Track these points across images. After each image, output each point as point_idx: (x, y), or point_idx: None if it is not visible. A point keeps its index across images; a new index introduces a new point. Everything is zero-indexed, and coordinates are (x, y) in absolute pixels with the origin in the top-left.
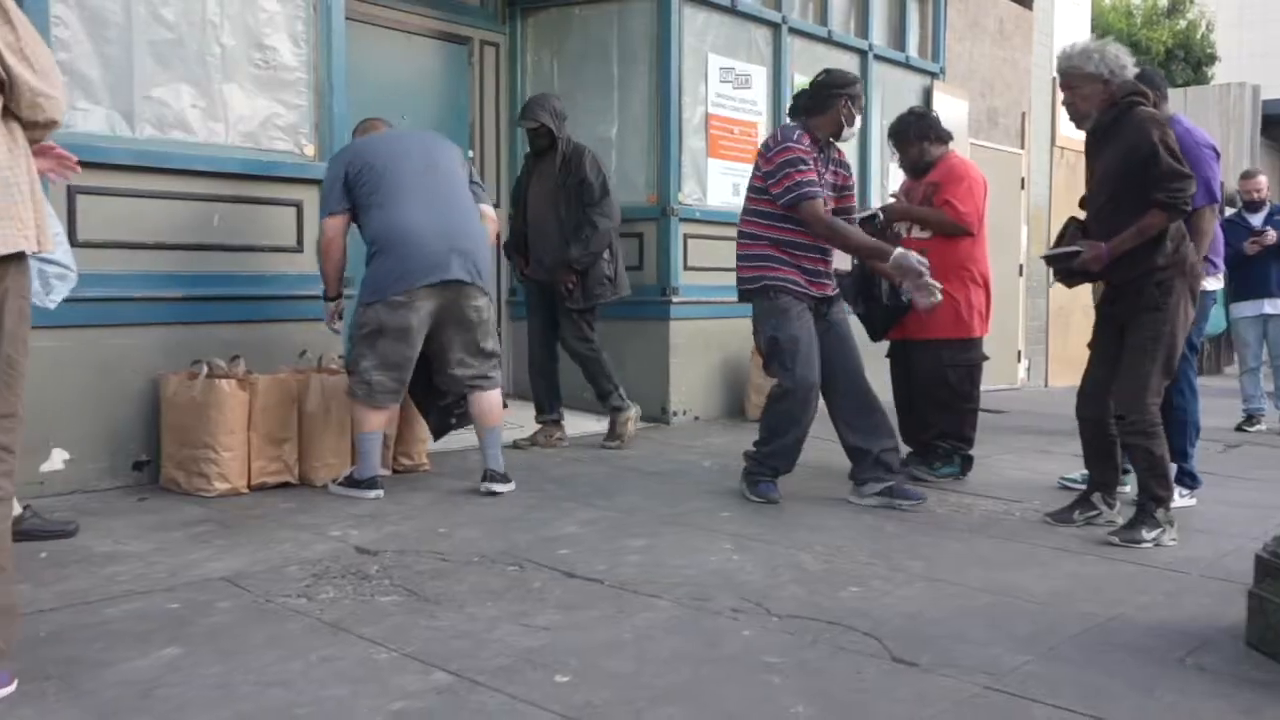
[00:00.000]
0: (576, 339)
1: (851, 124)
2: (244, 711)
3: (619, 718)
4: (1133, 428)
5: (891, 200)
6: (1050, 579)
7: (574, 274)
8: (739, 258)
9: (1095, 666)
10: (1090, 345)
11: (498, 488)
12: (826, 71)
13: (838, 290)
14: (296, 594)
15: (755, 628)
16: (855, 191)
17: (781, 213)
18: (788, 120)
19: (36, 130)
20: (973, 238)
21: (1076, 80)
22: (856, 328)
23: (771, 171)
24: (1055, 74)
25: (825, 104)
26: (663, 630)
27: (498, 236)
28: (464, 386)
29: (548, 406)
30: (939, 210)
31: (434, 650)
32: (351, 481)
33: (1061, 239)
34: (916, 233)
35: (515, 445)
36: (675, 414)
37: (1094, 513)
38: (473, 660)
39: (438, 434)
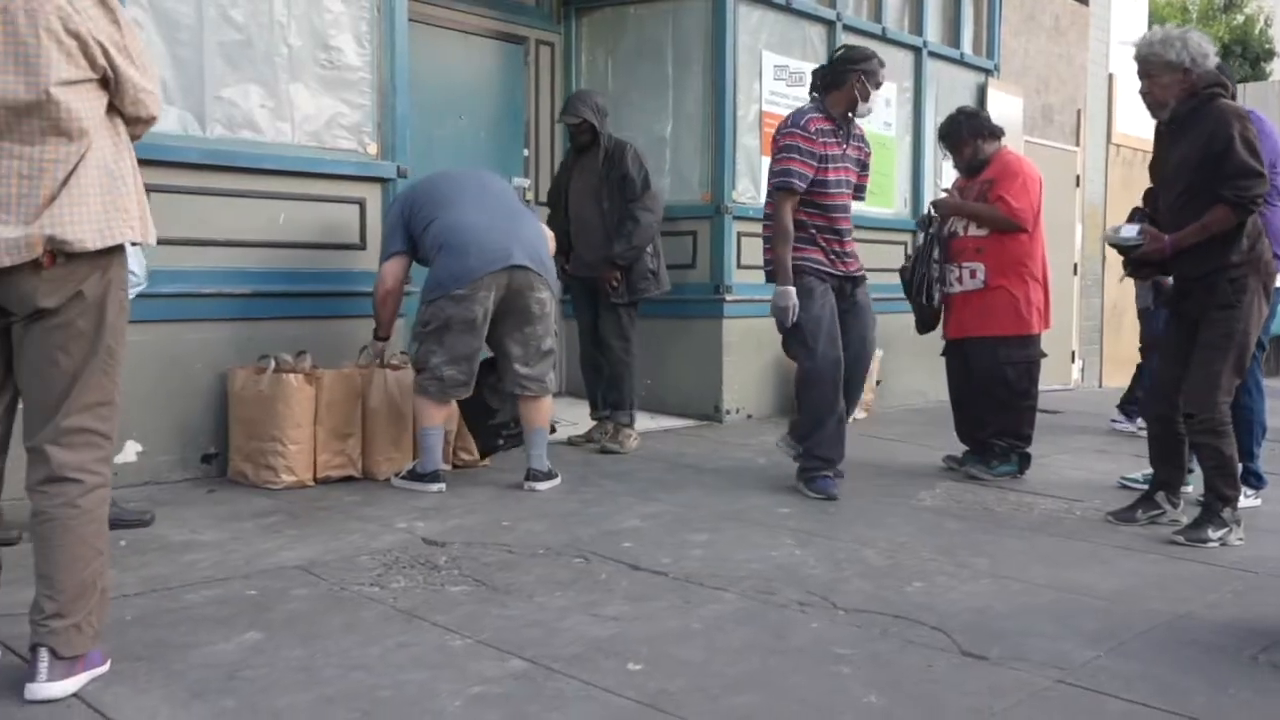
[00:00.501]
0: (616, 337)
1: (866, 99)
2: (328, 694)
3: (694, 705)
4: (1202, 426)
5: (944, 194)
6: (1115, 577)
7: (618, 270)
8: (764, 240)
9: (1166, 663)
10: (1156, 342)
11: (540, 485)
12: (844, 47)
13: (863, 271)
14: (369, 583)
15: (823, 620)
16: (870, 171)
17: (800, 195)
18: (808, 98)
19: (138, 126)
20: (1029, 234)
21: (1156, 69)
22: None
23: (774, 154)
24: (1135, 60)
25: (840, 79)
26: (731, 621)
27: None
28: (517, 387)
29: (602, 403)
30: (992, 206)
31: (507, 638)
32: (414, 475)
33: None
34: (973, 230)
35: (570, 442)
36: (728, 412)
37: (1157, 511)
38: (546, 648)
39: (485, 454)
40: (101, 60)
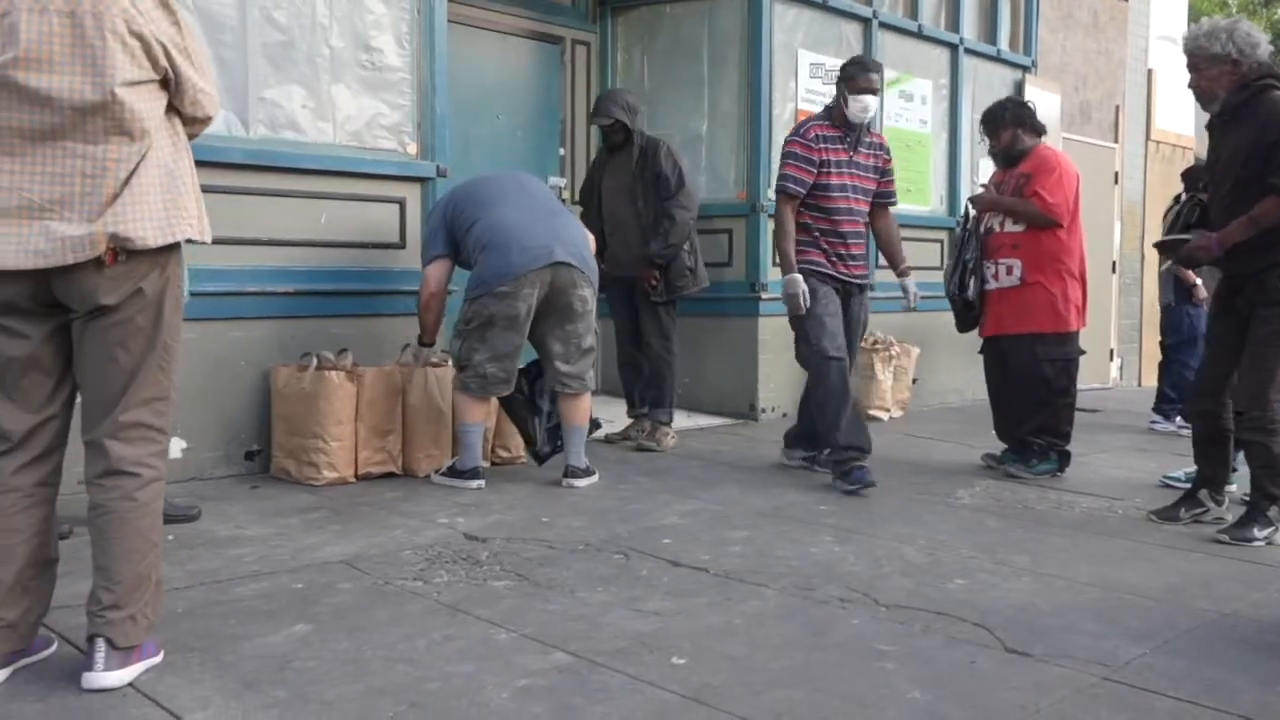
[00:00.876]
0: (657, 335)
1: (847, 107)
2: (376, 685)
3: (738, 698)
4: (1253, 424)
5: (981, 190)
6: (1160, 575)
7: (656, 269)
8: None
9: (1214, 661)
10: (1206, 337)
11: (578, 483)
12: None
13: (867, 280)
14: (413, 577)
15: (864, 617)
16: (894, 175)
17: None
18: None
19: (195, 125)
20: (1065, 230)
21: (1202, 61)
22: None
23: (780, 160)
24: (1184, 54)
25: (838, 90)
26: (772, 617)
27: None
28: (558, 384)
29: (640, 401)
30: (1028, 201)
31: (551, 632)
32: (454, 472)
33: (1178, 220)
34: (1009, 226)
35: (607, 440)
36: (764, 411)
37: (1201, 510)
38: (589, 642)
39: (541, 460)
40: (163, 61)
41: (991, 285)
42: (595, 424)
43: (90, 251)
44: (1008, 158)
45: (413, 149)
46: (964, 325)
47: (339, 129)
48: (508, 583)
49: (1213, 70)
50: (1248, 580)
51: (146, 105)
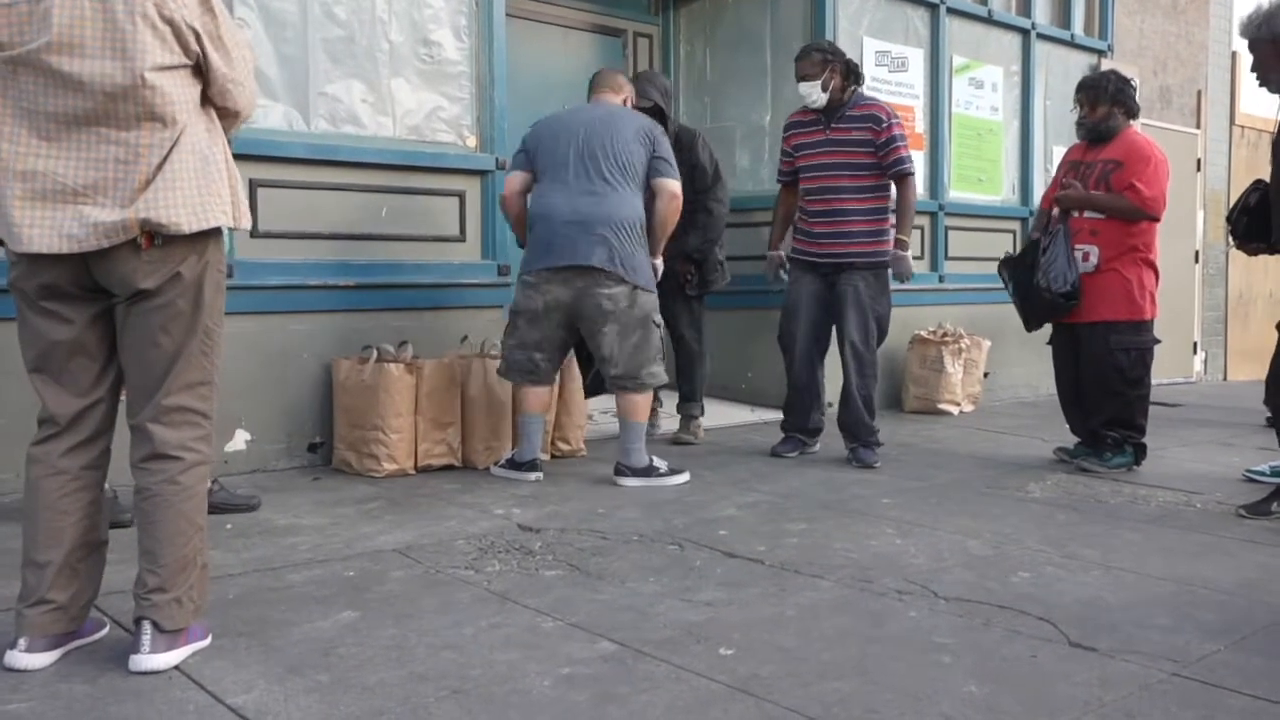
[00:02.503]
0: (690, 328)
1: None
2: (418, 671)
3: (786, 689)
4: None
5: (1068, 188)
6: (1238, 570)
7: (692, 263)
8: None
9: None
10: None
11: (624, 481)
12: None
13: (846, 258)
14: (464, 566)
15: (922, 609)
16: (899, 144)
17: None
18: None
19: (227, 120)
20: (1152, 222)
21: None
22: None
23: None
24: (1236, 45)
25: None
26: (827, 609)
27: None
28: (610, 384)
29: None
30: (1121, 196)
31: (599, 621)
32: (512, 464)
33: (1241, 202)
34: (1089, 211)
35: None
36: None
37: None
38: (637, 631)
39: (590, 392)
40: (195, 46)
41: None
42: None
43: (123, 236)
44: (1095, 132)
45: (472, 142)
46: (1030, 323)
47: (399, 123)
48: (559, 572)
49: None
50: None
51: (179, 90)
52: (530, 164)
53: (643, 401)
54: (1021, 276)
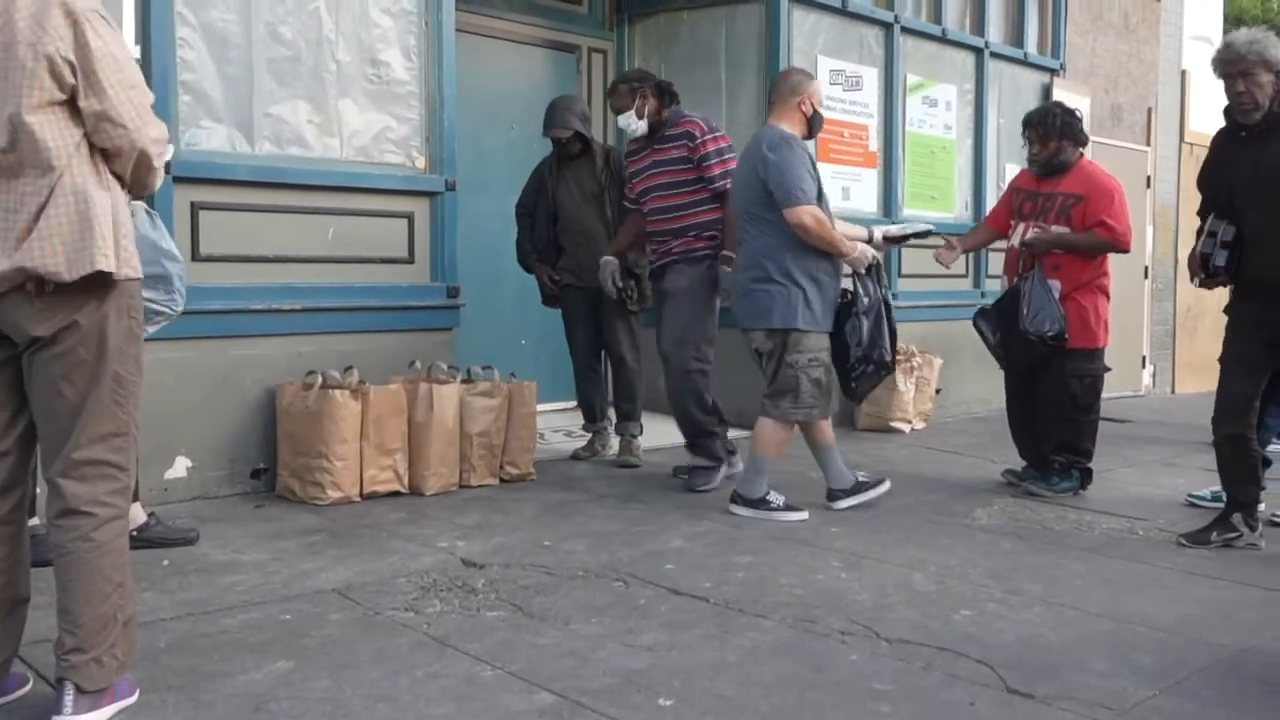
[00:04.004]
0: (630, 348)
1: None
2: None
3: None
4: None
5: (1036, 231)
6: (1177, 605)
7: (632, 278)
8: None
9: (1227, 704)
10: (1225, 357)
11: (834, 505)
12: None
13: (660, 261)
14: (404, 607)
15: (864, 652)
16: (712, 160)
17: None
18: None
19: (115, 160)
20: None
21: (1257, 67)
22: None
23: None
24: (1228, 59)
25: None
26: (769, 652)
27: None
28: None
29: (599, 414)
30: (1093, 234)
31: (539, 669)
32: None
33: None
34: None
35: (575, 456)
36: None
37: (1234, 535)
38: (576, 680)
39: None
40: (71, 80)
41: None
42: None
43: (9, 284)
44: (1048, 167)
45: (421, 163)
46: (1012, 364)
47: (346, 144)
48: (501, 613)
49: (1264, 77)
50: (1268, 611)
51: (56, 132)
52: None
53: (761, 430)
54: (1002, 324)
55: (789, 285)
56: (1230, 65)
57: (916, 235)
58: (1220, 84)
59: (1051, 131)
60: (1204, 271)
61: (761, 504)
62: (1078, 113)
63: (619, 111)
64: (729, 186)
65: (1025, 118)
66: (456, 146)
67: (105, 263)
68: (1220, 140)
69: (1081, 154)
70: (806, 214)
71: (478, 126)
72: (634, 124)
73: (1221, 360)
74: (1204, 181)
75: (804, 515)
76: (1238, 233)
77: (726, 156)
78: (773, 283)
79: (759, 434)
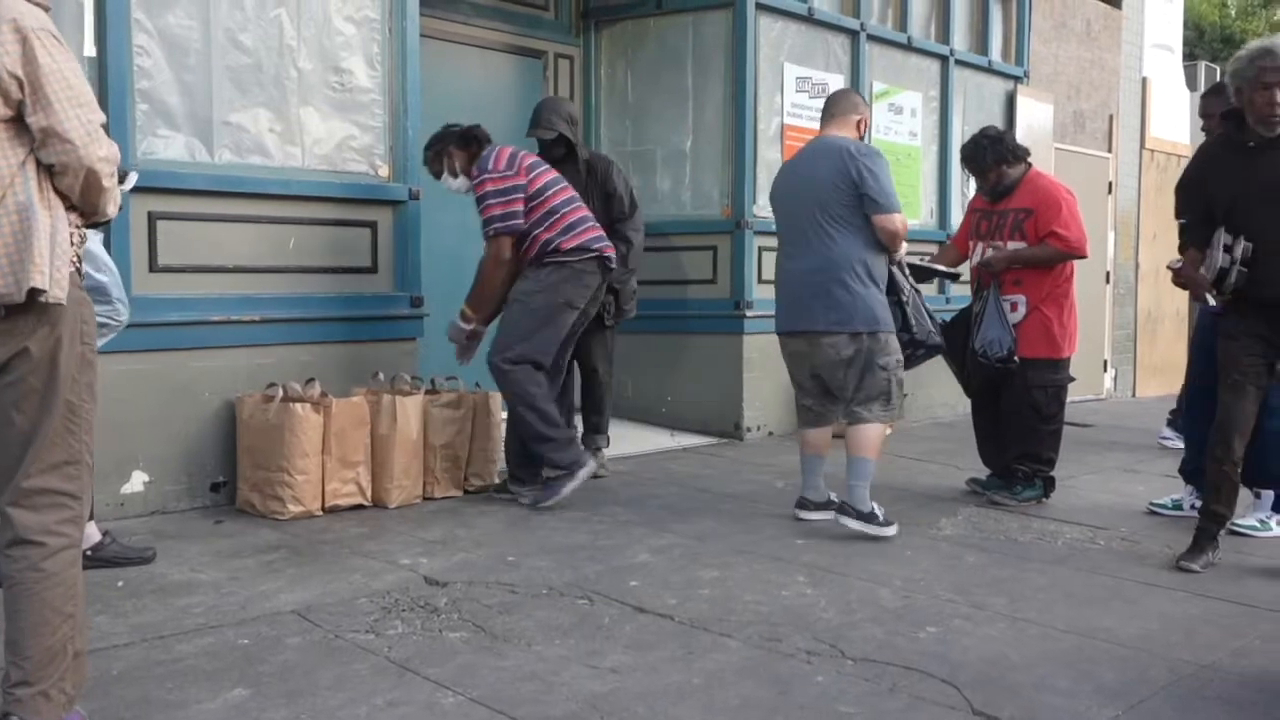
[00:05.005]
0: (604, 361)
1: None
2: None
3: None
4: None
5: (991, 251)
6: (1139, 619)
7: (612, 292)
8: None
9: None
10: (1232, 375)
11: (845, 523)
12: None
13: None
14: (365, 629)
15: (829, 673)
16: (482, 204)
17: None
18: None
19: (57, 177)
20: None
21: None
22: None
23: None
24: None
25: None
26: (734, 673)
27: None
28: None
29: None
30: (1045, 245)
31: (501, 694)
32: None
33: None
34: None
35: None
36: (749, 430)
37: (1218, 550)
38: (538, 706)
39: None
40: (17, 95)
41: None
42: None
43: None
44: (995, 192)
45: (384, 171)
46: (970, 388)
47: (308, 152)
48: (463, 634)
49: None
50: (1229, 625)
51: (1, 149)
52: None
53: (859, 434)
54: (956, 344)
55: (871, 288)
56: (1265, 73)
57: (940, 274)
58: (1182, 92)
59: (985, 163)
60: (1217, 289)
61: (871, 518)
62: (1005, 133)
63: (436, 177)
64: (506, 228)
65: (962, 155)
66: (421, 155)
67: (40, 280)
68: (1217, 150)
69: (1029, 166)
70: (901, 220)
71: None
72: (452, 185)
73: (1224, 378)
74: (1197, 192)
75: (895, 530)
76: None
77: (506, 198)
78: (857, 286)
79: (864, 441)
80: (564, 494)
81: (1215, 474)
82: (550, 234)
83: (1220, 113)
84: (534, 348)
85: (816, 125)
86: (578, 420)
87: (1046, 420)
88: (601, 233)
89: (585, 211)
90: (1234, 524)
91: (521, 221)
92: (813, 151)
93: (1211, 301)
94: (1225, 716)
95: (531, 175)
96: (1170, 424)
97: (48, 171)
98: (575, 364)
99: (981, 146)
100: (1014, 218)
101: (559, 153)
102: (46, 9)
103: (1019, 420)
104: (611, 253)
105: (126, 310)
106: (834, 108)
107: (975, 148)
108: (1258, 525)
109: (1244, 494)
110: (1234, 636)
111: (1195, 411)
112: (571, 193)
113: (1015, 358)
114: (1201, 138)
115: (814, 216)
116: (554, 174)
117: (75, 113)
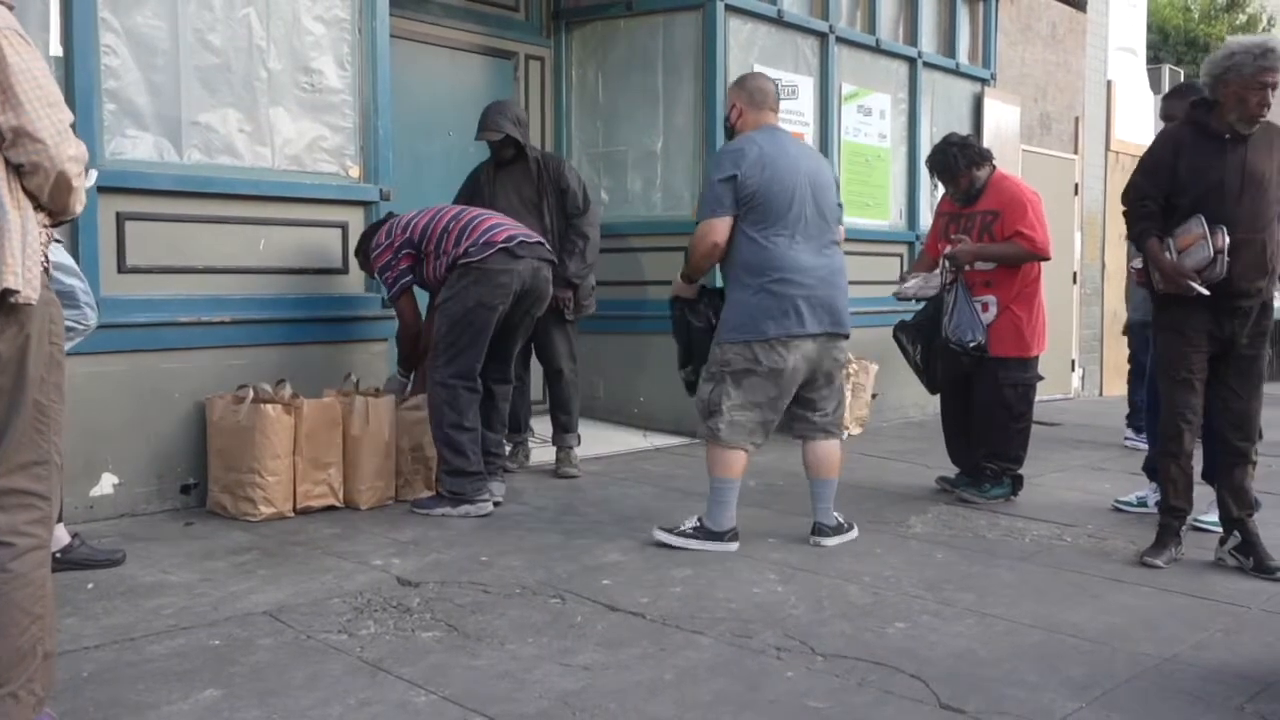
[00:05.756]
0: (568, 359)
1: None
2: None
3: None
4: (1248, 456)
5: (958, 242)
6: (1104, 614)
7: (570, 288)
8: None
9: (1150, 714)
10: (1178, 371)
11: (827, 542)
12: None
13: None
14: (338, 629)
15: (799, 669)
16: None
17: None
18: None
19: (31, 176)
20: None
21: None
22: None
23: None
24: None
25: None
26: (705, 670)
27: None
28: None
29: (522, 424)
30: (1011, 243)
31: (474, 692)
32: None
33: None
34: (979, 264)
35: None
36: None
37: (1180, 548)
38: (511, 704)
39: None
40: None
41: None
42: None
43: None
44: (967, 197)
45: (355, 172)
46: (934, 384)
47: (278, 153)
48: (436, 633)
49: None
50: (1191, 619)
51: None
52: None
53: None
54: (923, 337)
55: None
56: (1274, 74)
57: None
58: (1145, 95)
59: (958, 169)
60: (1200, 281)
61: (841, 528)
62: (970, 137)
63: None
64: (398, 289)
65: (929, 165)
66: (391, 155)
67: (13, 280)
68: (1189, 137)
69: (994, 168)
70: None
71: (413, 134)
72: None
73: (1171, 375)
74: (1167, 175)
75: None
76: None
77: (391, 267)
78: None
79: (836, 460)
80: (438, 513)
81: (1169, 470)
82: (449, 248)
83: (1192, 100)
84: (464, 362)
85: (787, 127)
86: (536, 423)
87: (1016, 418)
88: (506, 225)
89: (481, 213)
90: (1196, 520)
91: (411, 277)
92: (798, 146)
93: (1204, 291)
94: (1187, 707)
95: (408, 230)
96: (1130, 424)
97: (16, 171)
98: (539, 364)
99: (950, 154)
100: (981, 220)
101: (509, 154)
102: (10, 8)
103: (988, 417)
104: (523, 235)
105: (95, 315)
106: (771, 100)
107: (944, 155)
108: (1219, 522)
109: (1206, 491)
110: (1196, 630)
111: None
112: (464, 209)
113: (985, 347)
114: None
115: (822, 214)
116: (433, 210)
117: (46, 112)
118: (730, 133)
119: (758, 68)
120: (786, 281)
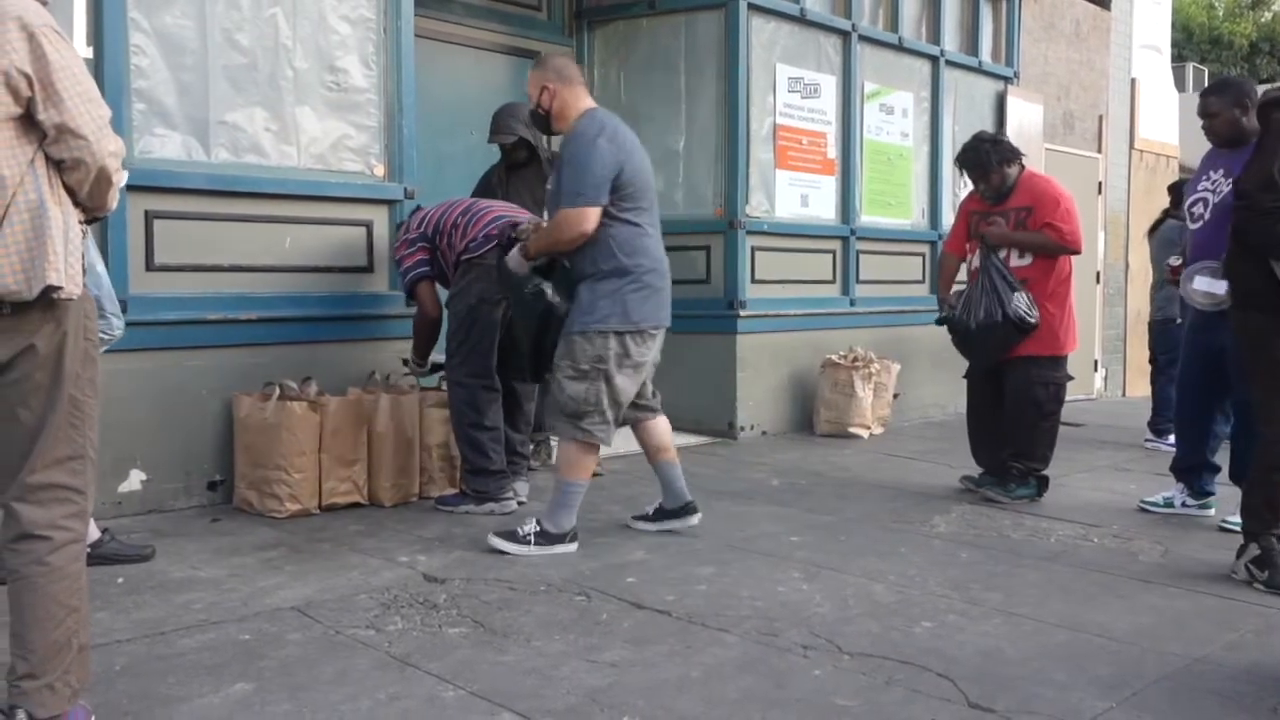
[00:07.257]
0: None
1: None
2: None
3: None
4: None
5: (992, 224)
6: (1132, 614)
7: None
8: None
9: (1181, 715)
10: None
11: (640, 525)
12: None
13: None
14: (365, 625)
15: (826, 667)
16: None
17: None
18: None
19: (72, 172)
20: (1078, 255)
21: None
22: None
23: None
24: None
25: None
26: (732, 668)
27: None
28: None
29: (543, 423)
30: (1041, 233)
31: (501, 688)
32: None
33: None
34: (1015, 260)
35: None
36: (743, 429)
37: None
38: (539, 700)
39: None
40: (26, 92)
41: None
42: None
43: None
44: (998, 194)
45: (380, 171)
46: (996, 354)
47: (303, 152)
48: (463, 629)
49: None
50: (1221, 619)
51: (9, 147)
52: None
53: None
54: (959, 323)
55: None
56: None
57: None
58: (1170, 93)
59: (990, 165)
60: None
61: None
62: (1002, 137)
63: None
64: (415, 276)
65: (959, 162)
66: (415, 154)
67: (55, 277)
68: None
69: (1024, 166)
70: None
71: (437, 134)
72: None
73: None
74: None
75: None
76: None
77: (409, 252)
78: None
79: (671, 434)
80: (462, 511)
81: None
82: (456, 243)
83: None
84: (477, 360)
85: (809, 125)
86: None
87: (1045, 416)
88: (505, 213)
89: (486, 206)
90: (1225, 521)
91: (428, 268)
92: (630, 134)
93: None
94: (1217, 708)
95: (424, 224)
96: (1152, 428)
97: (56, 168)
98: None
99: (984, 150)
100: (1015, 217)
101: (522, 156)
102: (44, 3)
103: (1017, 416)
104: (521, 218)
105: (120, 324)
106: (579, 74)
107: (977, 152)
108: (1160, 502)
109: (1235, 492)
110: (1226, 630)
111: (1186, 410)
112: (475, 202)
113: (1009, 326)
114: (1193, 137)
115: (655, 204)
116: (447, 204)
117: (86, 108)
118: (546, 118)
119: (780, 67)
120: (654, 271)
